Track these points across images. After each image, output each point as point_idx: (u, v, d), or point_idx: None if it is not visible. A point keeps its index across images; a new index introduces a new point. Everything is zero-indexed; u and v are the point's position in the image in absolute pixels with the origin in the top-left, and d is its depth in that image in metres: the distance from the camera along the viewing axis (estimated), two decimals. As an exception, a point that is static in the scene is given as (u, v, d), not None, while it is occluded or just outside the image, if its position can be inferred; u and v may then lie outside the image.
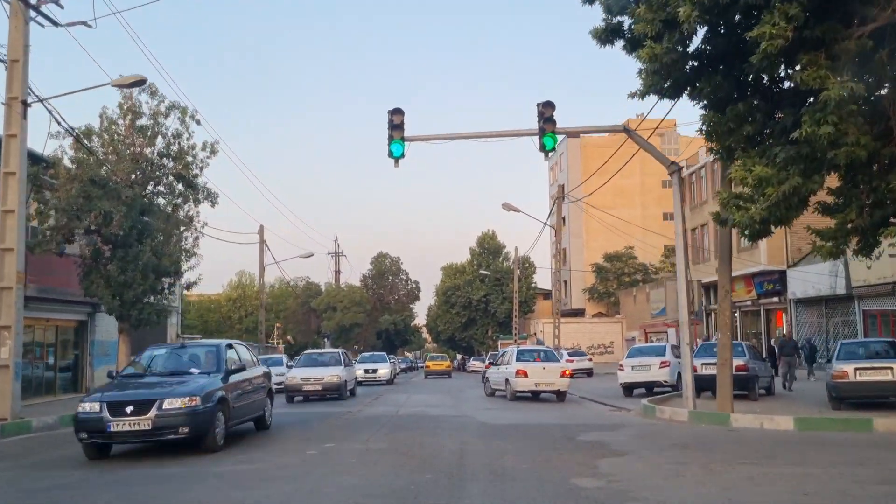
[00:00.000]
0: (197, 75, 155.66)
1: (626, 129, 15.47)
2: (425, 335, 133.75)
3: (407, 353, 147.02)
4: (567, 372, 19.69)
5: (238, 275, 78.98)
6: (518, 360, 19.44)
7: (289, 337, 65.49)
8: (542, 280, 65.08)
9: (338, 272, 49.95)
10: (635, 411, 15.14)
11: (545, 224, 58.45)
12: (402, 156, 14.21)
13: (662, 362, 19.24)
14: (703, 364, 15.88)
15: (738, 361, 15.15)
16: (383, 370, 28.29)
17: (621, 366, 20.38)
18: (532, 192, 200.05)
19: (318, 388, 19.21)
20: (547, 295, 64.94)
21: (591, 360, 32.27)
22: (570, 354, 33.13)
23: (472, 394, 22.80)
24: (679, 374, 17.11)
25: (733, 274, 30.98)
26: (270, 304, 70.27)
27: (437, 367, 41.85)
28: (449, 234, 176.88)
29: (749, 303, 33.90)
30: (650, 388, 19.16)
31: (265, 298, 76.21)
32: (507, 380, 19.44)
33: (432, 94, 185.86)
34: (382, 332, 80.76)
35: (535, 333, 48.60)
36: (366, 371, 27.99)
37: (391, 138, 14.14)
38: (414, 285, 60.55)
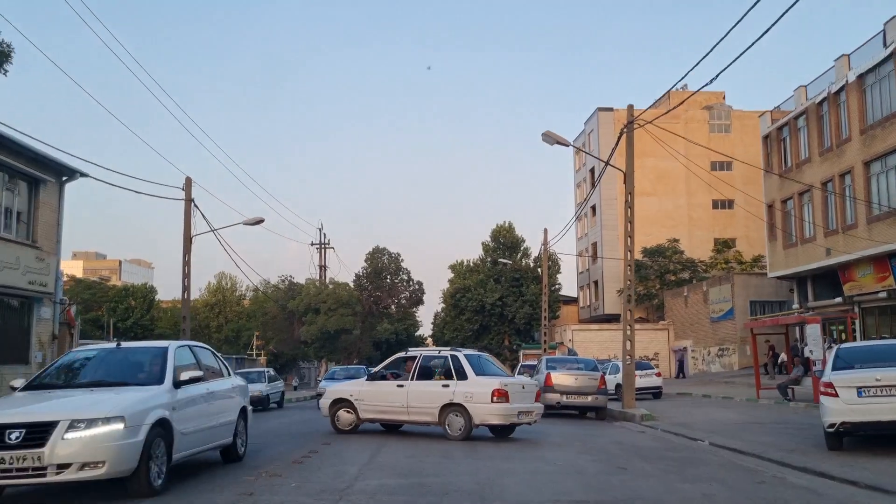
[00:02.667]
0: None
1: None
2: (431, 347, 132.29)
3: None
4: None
5: (217, 277, 77.41)
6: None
7: (271, 347, 63.47)
8: (566, 285, 62.92)
9: (323, 267, 47.54)
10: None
11: (584, 205, 56.84)
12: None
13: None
14: None
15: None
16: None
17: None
18: (554, 179, 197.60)
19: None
20: (567, 301, 62.77)
21: (659, 374, 29.42)
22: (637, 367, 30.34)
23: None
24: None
25: (854, 256, 28.05)
26: (253, 310, 68.46)
27: None
28: (458, 232, 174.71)
29: (884, 295, 28.28)
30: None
31: (245, 303, 74.96)
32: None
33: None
34: (382, 342, 78.75)
35: (563, 342, 46.35)
36: None
37: None
38: (417, 287, 58.30)
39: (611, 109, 57.74)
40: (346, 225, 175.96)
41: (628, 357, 19.12)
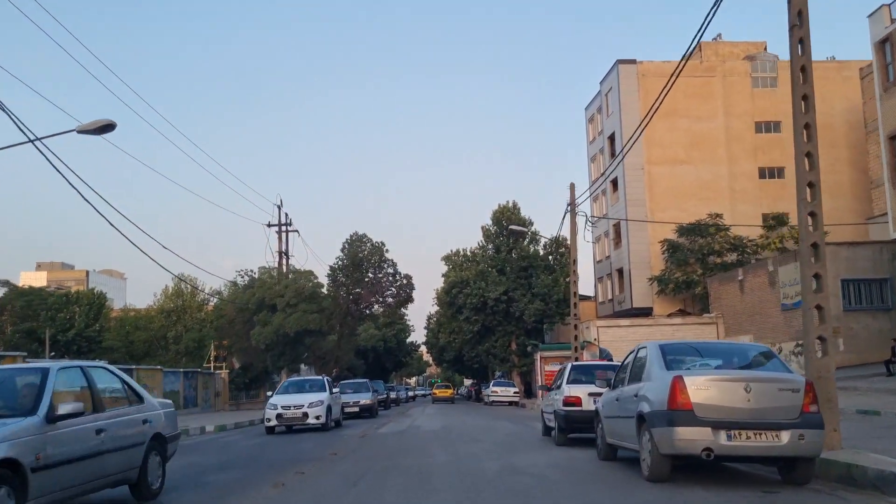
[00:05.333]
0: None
1: None
2: (426, 358, 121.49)
3: (408, 381, 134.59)
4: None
5: (175, 280, 66.88)
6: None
7: (234, 360, 53.05)
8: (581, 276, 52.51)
9: (283, 254, 37.05)
10: None
11: (609, 169, 47.12)
12: None
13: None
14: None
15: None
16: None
17: None
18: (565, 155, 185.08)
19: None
20: (581, 298, 52.46)
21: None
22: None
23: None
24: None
25: None
26: (211, 317, 58.17)
27: (442, 394, 60.13)
28: (451, 221, 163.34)
29: None
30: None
31: (205, 306, 64.55)
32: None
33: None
34: (368, 350, 68.30)
35: (591, 341, 35.93)
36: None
37: None
38: (405, 282, 48.05)
39: (633, 62, 47.81)
40: (314, 210, 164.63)
41: (818, 345, 9.00)
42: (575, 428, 12.51)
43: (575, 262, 26.75)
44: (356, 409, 26.58)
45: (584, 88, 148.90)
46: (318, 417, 19.20)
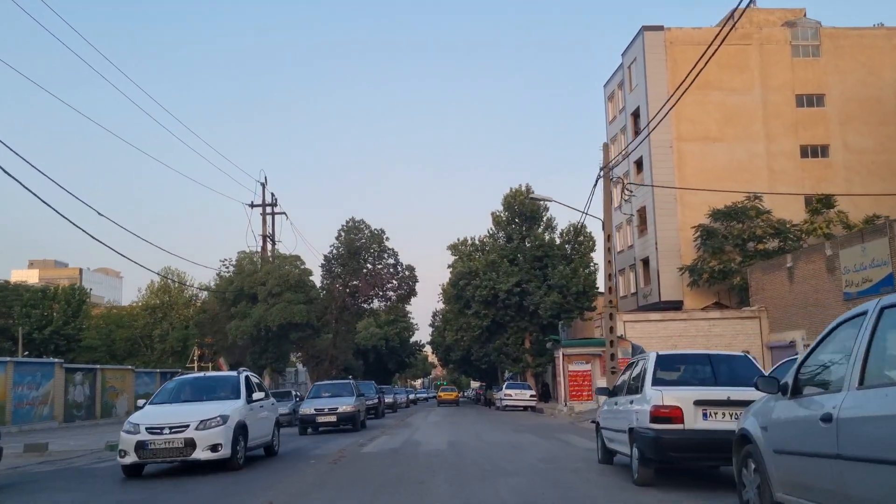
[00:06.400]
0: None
1: None
2: (431, 359, 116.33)
3: (413, 383, 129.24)
4: None
5: (162, 272, 62.17)
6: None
7: (221, 360, 48.35)
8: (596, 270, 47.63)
9: (268, 238, 32.05)
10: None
11: (634, 145, 42.94)
12: None
13: None
14: None
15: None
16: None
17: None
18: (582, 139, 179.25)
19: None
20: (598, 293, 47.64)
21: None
22: None
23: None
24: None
25: None
26: (197, 314, 53.50)
27: (447, 396, 57.55)
28: (457, 210, 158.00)
29: None
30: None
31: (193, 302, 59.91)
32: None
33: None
34: (368, 350, 63.57)
35: (622, 336, 31.14)
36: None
37: None
38: (407, 273, 43.33)
39: (660, 28, 42.94)
40: (308, 198, 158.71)
41: None
42: (671, 458, 7.76)
43: (609, 237, 21.94)
44: (332, 420, 20.31)
45: (602, 64, 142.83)
46: (214, 448, 10.94)
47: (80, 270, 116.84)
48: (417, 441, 15.84)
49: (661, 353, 8.85)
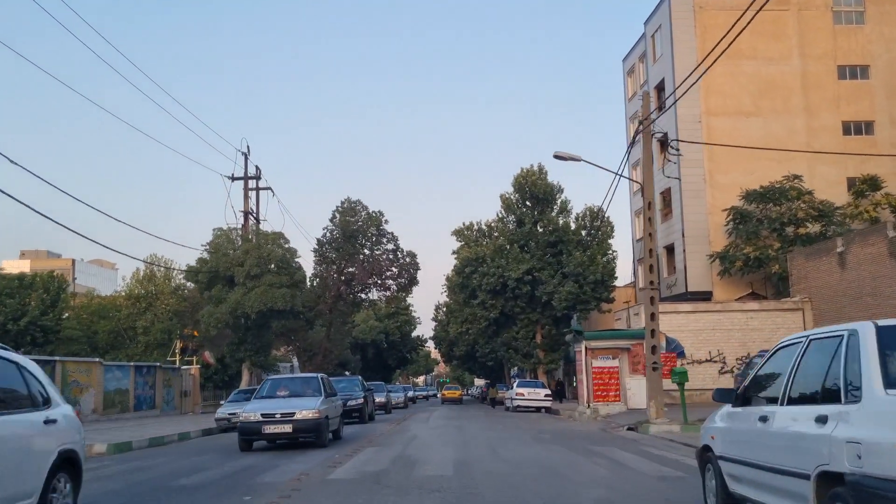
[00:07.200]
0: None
1: None
2: (434, 356, 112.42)
3: (416, 380, 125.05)
4: None
5: (149, 258, 58.26)
6: None
7: (206, 353, 44.50)
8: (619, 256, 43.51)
9: (249, 214, 28.17)
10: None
11: (658, 117, 39.81)
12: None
13: None
14: None
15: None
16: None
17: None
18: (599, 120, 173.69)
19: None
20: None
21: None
22: None
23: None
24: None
25: None
26: (178, 302, 49.69)
27: (451, 394, 58.11)
28: (462, 194, 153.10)
29: None
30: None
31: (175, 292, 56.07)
32: None
33: None
34: (367, 344, 59.69)
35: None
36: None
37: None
38: (407, 260, 39.51)
39: (692, -5, 38.84)
40: (300, 179, 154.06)
41: None
42: None
43: (651, 205, 18.09)
44: (286, 430, 14.53)
45: (620, 41, 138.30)
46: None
47: (73, 261, 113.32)
48: (412, 459, 11.82)
49: (880, 323, 4.67)
